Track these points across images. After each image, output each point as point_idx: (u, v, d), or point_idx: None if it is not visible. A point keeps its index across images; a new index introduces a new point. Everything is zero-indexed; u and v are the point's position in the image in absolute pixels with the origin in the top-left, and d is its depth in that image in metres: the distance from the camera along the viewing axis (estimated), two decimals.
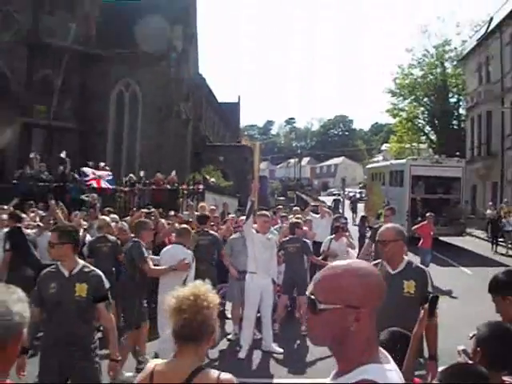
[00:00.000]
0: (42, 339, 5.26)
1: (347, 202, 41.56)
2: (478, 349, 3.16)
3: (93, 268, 5.44)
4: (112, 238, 10.40)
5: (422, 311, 3.77)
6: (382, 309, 4.69)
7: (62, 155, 23.52)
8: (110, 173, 22.80)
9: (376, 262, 5.33)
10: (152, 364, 3.01)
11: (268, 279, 9.39)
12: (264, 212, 9.93)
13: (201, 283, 3.05)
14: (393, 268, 5.04)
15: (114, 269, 9.95)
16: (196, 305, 2.88)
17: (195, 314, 2.86)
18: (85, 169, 21.89)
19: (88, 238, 11.22)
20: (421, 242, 17.57)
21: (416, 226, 18.30)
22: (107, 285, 5.30)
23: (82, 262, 5.42)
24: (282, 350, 9.27)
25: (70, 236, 5.31)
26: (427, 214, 18.35)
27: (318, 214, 16.37)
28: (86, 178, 21.54)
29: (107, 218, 11.33)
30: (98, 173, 21.87)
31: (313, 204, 21.57)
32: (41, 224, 11.68)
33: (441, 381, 3.02)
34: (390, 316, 4.18)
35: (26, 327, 2.27)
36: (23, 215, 11.12)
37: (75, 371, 4.94)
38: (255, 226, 9.30)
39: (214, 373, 2.91)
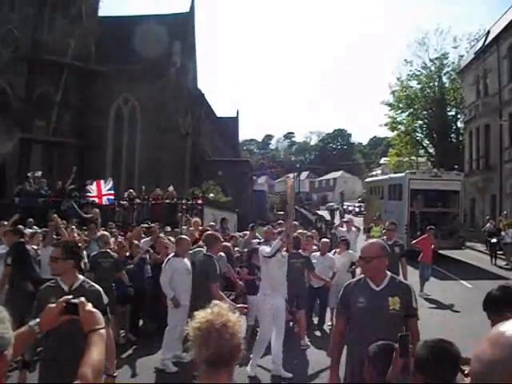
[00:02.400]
0: (42, 354, 5.25)
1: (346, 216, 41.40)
2: (417, 371, 3.09)
3: (92, 283, 5.45)
4: (114, 254, 10.45)
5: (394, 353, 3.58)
6: (368, 326, 4.72)
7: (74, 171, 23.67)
8: (112, 195, 22.79)
9: (358, 278, 5.30)
10: None
11: (281, 299, 9.08)
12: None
13: (220, 304, 2.93)
14: (376, 284, 4.93)
15: (113, 284, 9.95)
16: (224, 331, 2.76)
17: (225, 341, 2.74)
18: (89, 187, 21.84)
19: (85, 253, 11.28)
20: (421, 255, 17.60)
21: (416, 240, 18.34)
22: (106, 300, 5.29)
23: (81, 278, 5.43)
24: (291, 375, 8.81)
25: (73, 251, 5.35)
26: (427, 228, 18.40)
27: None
28: (89, 194, 21.54)
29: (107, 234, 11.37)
30: (103, 191, 21.84)
31: (343, 220, 21.71)
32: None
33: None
34: (376, 333, 4.19)
35: (7, 348, 2.18)
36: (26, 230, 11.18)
37: None
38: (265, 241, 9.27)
39: None
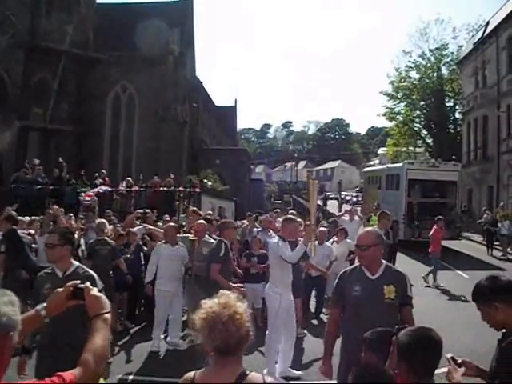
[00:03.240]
0: (39, 339, 5.26)
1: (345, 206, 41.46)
2: (398, 357, 3.15)
3: (86, 269, 5.49)
4: (112, 241, 10.47)
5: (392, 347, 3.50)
6: (363, 314, 4.73)
7: (60, 160, 23.63)
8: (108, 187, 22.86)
9: (353, 266, 5.29)
10: (191, 373, 2.95)
11: (291, 296, 8.52)
12: (293, 217, 9.10)
13: (227, 294, 2.95)
14: (372, 273, 4.94)
15: (111, 272, 10.02)
16: (231, 323, 2.78)
17: (231, 333, 2.77)
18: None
19: (82, 241, 11.30)
20: (431, 247, 17.65)
21: (432, 233, 18.18)
22: (100, 286, 5.29)
23: (76, 263, 5.48)
24: (300, 373, 8.44)
25: (67, 238, 5.41)
26: (436, 218, 18.32)
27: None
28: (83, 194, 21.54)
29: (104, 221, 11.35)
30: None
31: (347, 209, 21.74)
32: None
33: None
34: (372, 322, 4.19)
35: (15, 331, 2.26)
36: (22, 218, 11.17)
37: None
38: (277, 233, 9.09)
39: (259, 376, 2.87)
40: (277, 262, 8.06)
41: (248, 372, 2.85)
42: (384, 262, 5.10)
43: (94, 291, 2.82)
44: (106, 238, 10.49)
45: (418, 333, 3.19)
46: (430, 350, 3.08)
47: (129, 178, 24.98)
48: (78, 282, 2.94)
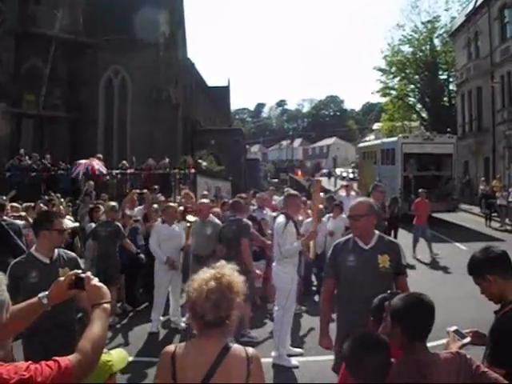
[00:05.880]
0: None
1: (340, 182, 41.48)
2: (392, 321, 3.20)
3: (68, 252, 5.46)
4: (116, 223, 10.46)
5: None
6: (359, 284, 4.75)
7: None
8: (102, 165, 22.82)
9: (347, 237, 5.29)
10: (171, 347, 2.93)
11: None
12: (296, 193, 8.83)
13: (223, 264, 2.95)
14: (365, 243, 4.94)
15: (116, 253, 10.26)
16: (228, 289, 2.80)
17: (227, 300, 2.78)
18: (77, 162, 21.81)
19: (69, 223, 11.24)
20: (415, 218, 17.77)
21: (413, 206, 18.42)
22: (82, 265, 5.31)
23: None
24: (301, 351, 8.43)
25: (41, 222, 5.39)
26: (419, 191, 18.54)
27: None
28: (78, 167, 21.54)
29: (112, 203, 11.26)
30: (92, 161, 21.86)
31: (343, 184, 21.77)
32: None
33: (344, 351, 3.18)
34: (367, 291, 4.21)
35: (3, 308, 2.29)
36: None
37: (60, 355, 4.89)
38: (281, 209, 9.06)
39: (242, 349, 2.86)
40: (283, 241, 7.81)
41: (231, 345, 2.85)
42: (377, 232, 5.09)
43: (95, 281, 2.81)
44: (110, 219, 10.44)
45: (411, 297, 3.21)
46: (423, 313, 3.11)
47: (124, 162, 24.95)
48: (80, 271, 2.93)
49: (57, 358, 2.35)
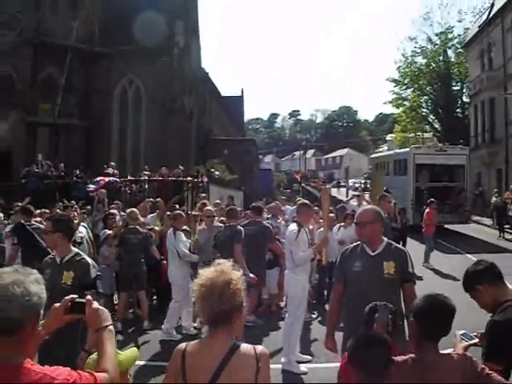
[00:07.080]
0: None
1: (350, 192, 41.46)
2: (413, 320, 3.32)
3: (84, 256, 5.55)
4: (143, 230, 10.66)
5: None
6: (364, 289, 4.87)
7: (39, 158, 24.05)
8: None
9: (356, 243, 5.38)
10: (183, 345, 2.99)
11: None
12: (308, 202, 9.06)
13: (224, 263, 3.05)
14: (372, 249, 5.04)
15: (142, 260, 10.42)
16: (227, 285, 2.88)
17: (228, 297, 2.86)
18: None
19: (82, 230, 11.34)
20: (424, 229, 17.93)
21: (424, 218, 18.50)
22: (94, 274, 5.32)
23: (75, 250, 5.57)
24: (309, 358, 8.47)
25: (61, 225, 5.54)
26: (428, 201, 18.63)
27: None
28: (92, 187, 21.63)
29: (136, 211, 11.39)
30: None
31: (355, 194, 21.89)
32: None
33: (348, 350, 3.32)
34: (372, 297, 4.30)
35: (42, 308, 2.35)
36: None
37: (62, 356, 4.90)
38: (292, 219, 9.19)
39: (250, 347, 2.93)
40: (296, 249, 7.88)
41: (239, 344, 2.92)
42: (385, 239, 5.18)
43: (96, 305, 2.84)
44: (136, 226, 10.63)
45: (435, 297, 3.33)
46: (442, 314, 3.23)
47: (146, 167, 25.20)
48: (76, 296, 2.91)
49: (93, 372, 2.44)
